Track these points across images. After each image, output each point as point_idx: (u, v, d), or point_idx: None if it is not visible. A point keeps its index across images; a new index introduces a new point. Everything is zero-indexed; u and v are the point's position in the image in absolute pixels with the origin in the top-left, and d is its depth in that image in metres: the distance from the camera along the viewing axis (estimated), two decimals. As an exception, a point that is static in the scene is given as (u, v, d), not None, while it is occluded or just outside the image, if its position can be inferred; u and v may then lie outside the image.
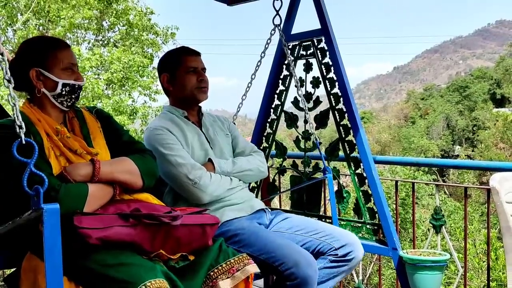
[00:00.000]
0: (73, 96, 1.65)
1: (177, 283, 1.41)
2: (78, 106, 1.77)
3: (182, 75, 2.11)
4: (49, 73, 1.59)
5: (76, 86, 1.65)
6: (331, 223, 2.42)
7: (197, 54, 2.17)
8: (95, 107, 1.85)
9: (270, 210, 2.23)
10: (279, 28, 2.63)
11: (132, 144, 1.76)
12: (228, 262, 1.58)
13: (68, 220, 1.34)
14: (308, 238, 2.03)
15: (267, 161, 2.95)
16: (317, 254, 2.03)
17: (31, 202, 1.18)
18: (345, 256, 1.99)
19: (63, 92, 1.62)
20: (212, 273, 1.54)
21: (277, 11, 2.63)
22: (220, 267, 1.56)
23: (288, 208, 2.88)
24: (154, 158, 1.77)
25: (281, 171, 2.97)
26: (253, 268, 1.60)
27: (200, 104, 2.21)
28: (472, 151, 33.85)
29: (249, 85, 2.70)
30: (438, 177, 21.74)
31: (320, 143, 2.66)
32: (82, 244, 1.37)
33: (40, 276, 1.38)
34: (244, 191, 2.13)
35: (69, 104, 1.66)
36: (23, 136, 1.22)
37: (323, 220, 2.62)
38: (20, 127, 1.22)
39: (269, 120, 2.91)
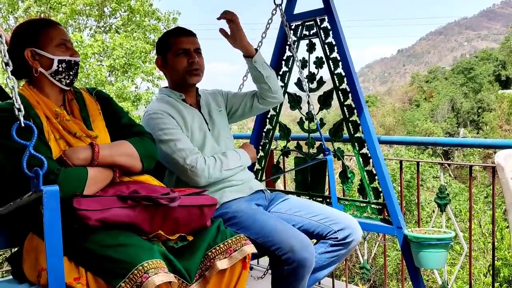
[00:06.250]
0: (71, 73, 1.64)
1: (174, 263, 1.42)
2: (78, 87, 1.76)
3: (172, 58, 2.05)
4: (44, 51, 1.59)
5: (73, 62, 1.64)
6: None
7: (189, 34, 2.07)
8: (95, 88, 1.83)
9: (269, 191, 2.23)
10: (280, 8, 2.59)
11: (132, 127, 1.75)
12: (226, 243, 1.58)
13: (67, 202, 1.34)
14: (306, 220, 2.03)
15: (271, 144, 2.94)
16: (316, 237, 2.03)
17: (31, 184, 1.19)
18: (345, 239, 1.99)
19: (60, 69, 1.61)
20: (210, 253, 1.55)
21: (278, -10, 2.57)
22: (217, 248, 1.56)
23: (293, 190, 2.87)
24: (154, 141, 1.76)
25: (285, 153, 2.96)
26: (250, 249, 1.60)
27: (197, 85, 2.16)
28: (477, 133, 33.64)
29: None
30: (443, 159, 21.70)
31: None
32: (81, 225, 1.38)
33: (41, 256, 1.38)
34: (244, 172, 2.11)
35: (67, 81, 1.64)
36: (22, 119, 1.22)
37: (327, 200, 2.62)
38: (19, 110, 1.23)
39: (272, 101, 2.87)
